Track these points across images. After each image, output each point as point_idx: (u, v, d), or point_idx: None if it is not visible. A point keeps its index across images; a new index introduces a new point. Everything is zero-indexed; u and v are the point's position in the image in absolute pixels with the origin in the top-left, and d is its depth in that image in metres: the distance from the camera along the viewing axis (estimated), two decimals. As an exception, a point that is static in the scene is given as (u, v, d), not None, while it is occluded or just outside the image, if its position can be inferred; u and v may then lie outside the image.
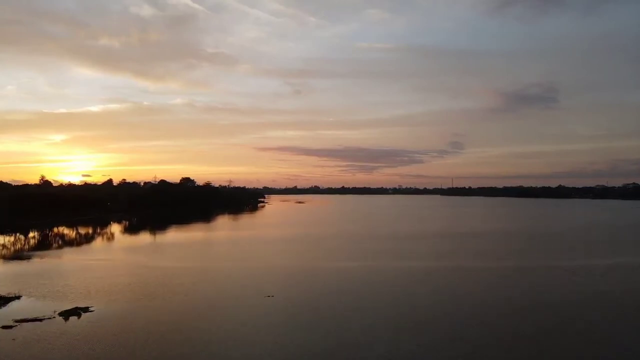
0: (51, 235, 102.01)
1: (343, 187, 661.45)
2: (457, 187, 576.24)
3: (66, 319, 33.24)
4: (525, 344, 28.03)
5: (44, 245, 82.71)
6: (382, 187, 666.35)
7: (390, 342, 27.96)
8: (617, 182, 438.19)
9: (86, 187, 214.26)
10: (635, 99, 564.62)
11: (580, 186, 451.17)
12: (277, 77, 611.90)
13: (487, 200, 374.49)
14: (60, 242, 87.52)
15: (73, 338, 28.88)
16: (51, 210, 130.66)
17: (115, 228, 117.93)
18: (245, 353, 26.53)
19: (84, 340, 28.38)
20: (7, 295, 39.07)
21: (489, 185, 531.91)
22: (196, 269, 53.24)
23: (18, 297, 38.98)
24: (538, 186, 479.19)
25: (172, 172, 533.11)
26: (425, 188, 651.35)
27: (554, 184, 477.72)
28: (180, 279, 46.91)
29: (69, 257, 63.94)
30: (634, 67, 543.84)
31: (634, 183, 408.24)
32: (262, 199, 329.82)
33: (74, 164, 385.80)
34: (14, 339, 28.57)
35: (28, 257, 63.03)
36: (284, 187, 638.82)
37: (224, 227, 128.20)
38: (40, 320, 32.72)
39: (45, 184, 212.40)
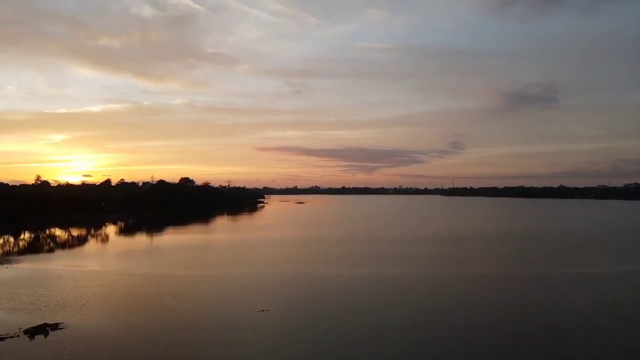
0: (42, 237, 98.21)
1: (343, 187, 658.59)
2: (458, 187, 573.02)
3: (31, 337, 29.28)
4: None
5: (30, 249, 78.79)
6: (382, 187, 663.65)
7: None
8: (618, 182, 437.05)
9: (84, 187, 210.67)
10: (636, 99, 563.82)
11: (580, 186, 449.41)
12: (277, 77, 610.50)
13: (489, 200, 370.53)
14: (48, 246, 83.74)
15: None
16: (45, 211, 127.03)
17: (109, 230, 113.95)
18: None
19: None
20: (-29, 308, 35.30)
21: (489, 186, 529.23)
22: (186, 277, 49.26)
23: (-17, 311, 35.19)
24: (539, 186, 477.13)
25: (172, 172, 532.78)
26: (425, 188, 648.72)
27: (554, 184, 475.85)
28: (167, 289, 42.90)
29: (53, 263, 59.92)
30: (634, 67, 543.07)
31: (635, 183, 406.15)
32: (262, 199, 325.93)
33: (74, 164, 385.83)
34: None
35: (9, 262, 59.03)
36: (284, 187, 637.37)
37: (220, 228, 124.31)
38: (2, 339, 28.86)
39: (43, 184, 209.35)
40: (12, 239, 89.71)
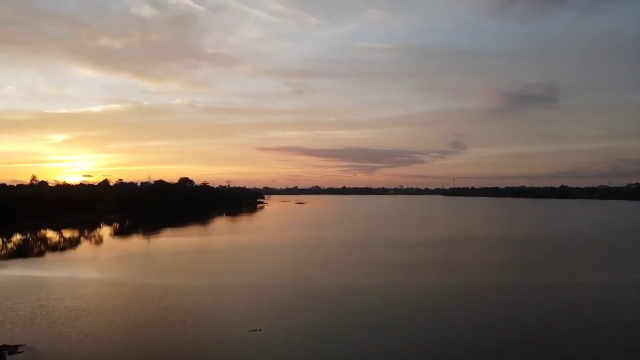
0: (26, 240, 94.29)
1: (344, 187, 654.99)
2: (459, 188, 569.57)
3: (-15, 364, 25.36)
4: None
5: (15, 253, 74.86)
6: (383, 188, 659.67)
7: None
8: (618, 182, 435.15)
9: (81, 187, 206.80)
10: (636, 99, 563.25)
11: (581, 186, 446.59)
12: (278, 77, 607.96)
13: (491, 200, 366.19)
14: (31, 250, 79.71)
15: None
16: (37, 212, 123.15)
17: (101, 232, 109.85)
18: None
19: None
20: None
21: (490, 186, 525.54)
22: (174, 287, 45.08)
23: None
24: (540, 186, 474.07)
25: (173, 173, 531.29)
26: (426, 188, 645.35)
27: (554, 184, 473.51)
28: (151, 302, 38.79)
29: (31, 270, 55.90)
30: (635, 67, 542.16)
31: (636, 183, 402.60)
32: (262, 200, 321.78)
33: (74, 164, 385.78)
34: None
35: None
36: (284, 188, 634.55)
37: (217, 231, 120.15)
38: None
39: (40, 184, 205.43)
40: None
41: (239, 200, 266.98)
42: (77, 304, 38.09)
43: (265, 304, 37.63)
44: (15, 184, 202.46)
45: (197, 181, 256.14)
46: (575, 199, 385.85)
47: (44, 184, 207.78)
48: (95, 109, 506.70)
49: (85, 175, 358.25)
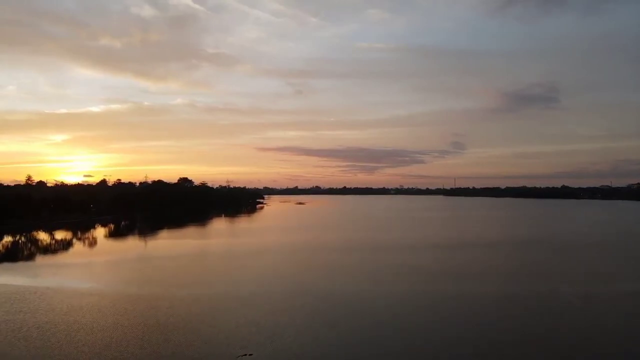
0: (20, 242, 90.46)
1: (344, 187, 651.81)
2: (460, 188, 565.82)
3: None
4: None
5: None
6: (384, 188, 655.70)
7: None
8: (619, 183, 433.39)
9: (79, 187, 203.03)
10: (636, 99, 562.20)
11: (581, 186, 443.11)
12: (278, 77, 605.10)
13: (493, 201, 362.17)
14: (18, 254, 75.64)
15: None
16: (30, 213, 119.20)
17: (95, 233, 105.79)
18: None
19: None
20: None
21: (490, 186, 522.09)
22: (158, 298, 40.99)
23: None
24: (541, 186, 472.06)
25: (173, 173, 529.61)
26: (427, 188, 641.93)
27: (555, 184, 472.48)
28: (128, 318, 34.64)
29: (7, 278, 51.91)
30: (635, 67, 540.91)
31: (638, 183, 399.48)
32: (261, 200, 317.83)
33: (75, 164, 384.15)
34: None
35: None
36: (284, 188, 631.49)
37: (214, 233, 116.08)
38: None
39: (39, 184, 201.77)
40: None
41: (239, 201, 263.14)
42: (48, 318, 34.01)
43: (257, 322, 33.38)
44: (13, 184, 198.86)
45: (197, 181, 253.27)
46: (578, 199, 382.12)
47: (42, 184, 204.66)
48: (96, 109, 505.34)
49: (85, 175, 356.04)
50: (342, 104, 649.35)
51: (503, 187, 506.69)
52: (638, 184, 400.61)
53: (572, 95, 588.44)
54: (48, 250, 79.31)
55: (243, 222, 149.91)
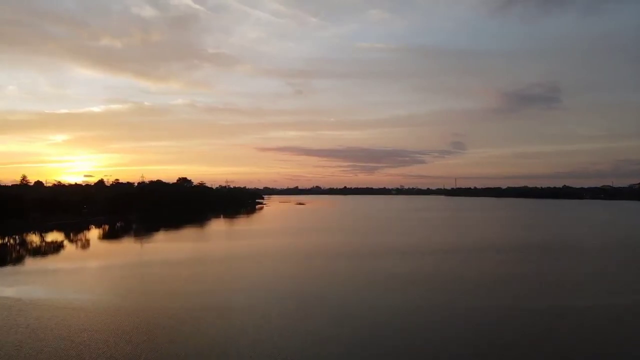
0: (7, 246, 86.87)
1: (345, 187, 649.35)
2: (461, 188, 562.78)
3: None
4: None
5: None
6: (384, 188, 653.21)
7: None
8: (619, 183, 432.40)
9: (76, 187, 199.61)
10: (636, 100, 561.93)
11: (581, 186, 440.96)
12: (278, 77, 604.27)
13: (495, 201, 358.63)
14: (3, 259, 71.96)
15: None
16: (18, 214, 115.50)
17: (87, 236, 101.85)
18: None
19: None
20: None
21: (491, 186, 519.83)
22: (139, 313, 37.34)
23: None
24: (542, 186, 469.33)
25: (173, 173, 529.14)
26: (428, 188, 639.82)
27: (555, 184, 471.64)
28: (94, 334, 31.05)
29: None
30: (635, 67, 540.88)
31: (639, 184, 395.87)
32: (261, 200, 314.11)
33: (75, 164, 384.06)
34: None
35: None
36: (285, 188, 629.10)
37: (210, 235, 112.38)
38: None
39: (37, 184, 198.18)
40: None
41: (238, 201, 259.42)
42: (15, 337, 30.30)
43: (250, 345, 29.75)
44: (10, 184, 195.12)
45: (198, 182, 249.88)
46: (582, 199, 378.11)
47: (39, 184, 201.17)
48: (96, 109, 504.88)
49: (86, 176, 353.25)
50: (343, 104, 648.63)
51: (504, 187, 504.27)
52: (639, 184, 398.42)
53: (572, 95, 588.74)
54: (32, 254, 75.57)
55: (241, 224, 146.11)
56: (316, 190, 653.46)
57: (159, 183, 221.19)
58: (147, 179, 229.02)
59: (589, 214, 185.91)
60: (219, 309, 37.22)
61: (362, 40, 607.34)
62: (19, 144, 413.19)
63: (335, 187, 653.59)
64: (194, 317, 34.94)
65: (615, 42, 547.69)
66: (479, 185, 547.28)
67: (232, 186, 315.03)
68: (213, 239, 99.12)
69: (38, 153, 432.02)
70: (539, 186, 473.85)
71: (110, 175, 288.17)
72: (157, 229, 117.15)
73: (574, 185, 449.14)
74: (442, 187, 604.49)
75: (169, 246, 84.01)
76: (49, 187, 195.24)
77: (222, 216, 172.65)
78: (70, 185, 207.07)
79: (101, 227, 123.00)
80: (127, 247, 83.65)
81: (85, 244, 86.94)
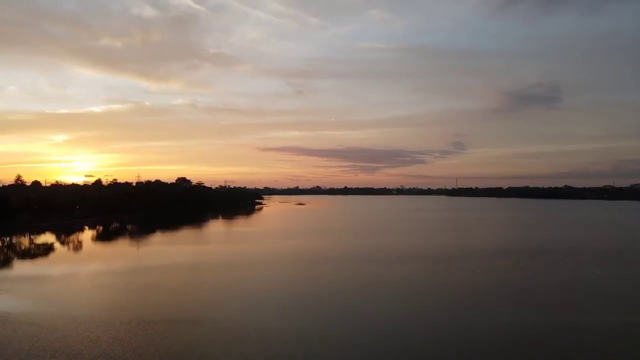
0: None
1: (345, 187, 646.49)
2: (462, 188, 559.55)
3: None
4: None
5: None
6: (385, 188, 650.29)
7: None
8: (620, 183, 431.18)
9: (73, 187, 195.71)
10: (637, 100, 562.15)
11: (582, 186, 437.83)
12: (279, 77, 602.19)
13: (496, 201, 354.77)
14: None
15: None
16: (5, 215, 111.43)
17: (78, 238, 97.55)
18: None
19: None
20: None
21: (492, 186, 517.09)
22: (107, 328, 33.25)
23: None
24: (542, 186, 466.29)
25: (174, 173, 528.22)
26: (429, 188, 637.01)
27: (556, 184, 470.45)
28: (60, 355, 26.96)
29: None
30: (635, 68, 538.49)
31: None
32: (260, 200, 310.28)
33: (76, 164, 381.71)
34: None
35: None
36: (285, 188, 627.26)
37: (207, 237, 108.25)
38: None
39: (34, 184, 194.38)
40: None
41: (237, 201, 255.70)
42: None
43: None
44: (7, 184, 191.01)
45: (197, 181, 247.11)
46: (584, 199, 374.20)
47: (37, 183, 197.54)
48: (97, 109, 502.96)
49: (87, 176, 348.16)
50: (343, 104, 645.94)
51: (505, 187, 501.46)
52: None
53: (572, 96, 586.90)
54: (22, 258, 71.44)
55: (240, 225, 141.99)
56: (316, 191, 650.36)
57: (156, 183, 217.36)
58: (143, 178, 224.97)
59: (601, 215, 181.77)
60: (212, 323, 33.08)
61: (362, 40, 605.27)
62: (19, 144, 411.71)
63: (335, 187, 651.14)
64: (179, 331, 30.77)
65: (616, 42, 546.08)
66: (480, 185, 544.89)
67: (231, 186, 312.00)
68: (210, 243, 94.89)
69: (38, 153, 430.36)
70: (539, 186, 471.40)
71: (110, 175, 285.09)
72: (152, 231, 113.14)
73: (575, 185, 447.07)
74: (443, 187, 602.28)
75: (161, 250, 79.70)
76: (46, 187, 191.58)
77: (220, 217, 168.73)
78: (68, 185, 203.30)
79: (95, 228, 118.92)
80: (117, 251, 79.38)
81: (73, 248, 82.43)
